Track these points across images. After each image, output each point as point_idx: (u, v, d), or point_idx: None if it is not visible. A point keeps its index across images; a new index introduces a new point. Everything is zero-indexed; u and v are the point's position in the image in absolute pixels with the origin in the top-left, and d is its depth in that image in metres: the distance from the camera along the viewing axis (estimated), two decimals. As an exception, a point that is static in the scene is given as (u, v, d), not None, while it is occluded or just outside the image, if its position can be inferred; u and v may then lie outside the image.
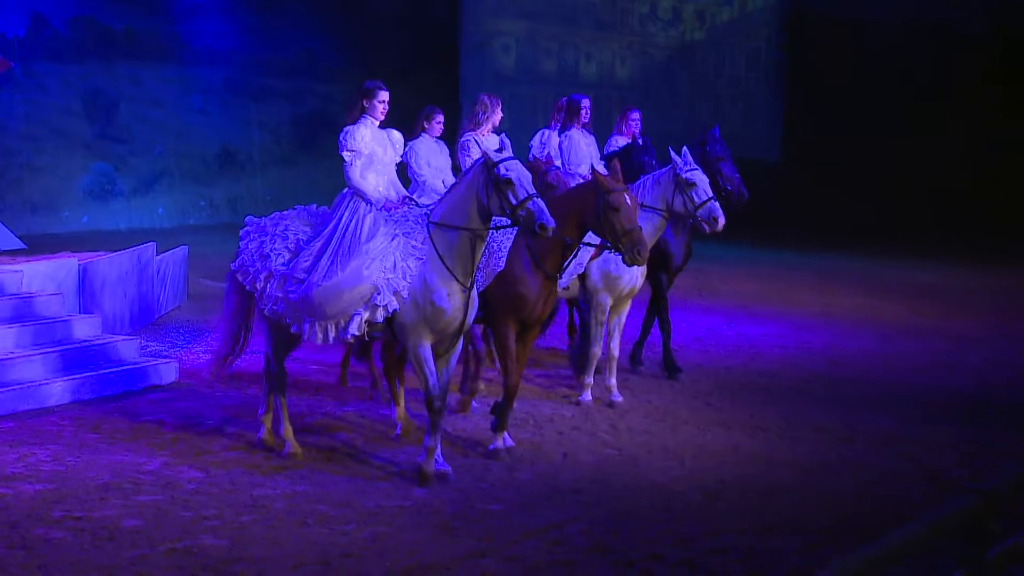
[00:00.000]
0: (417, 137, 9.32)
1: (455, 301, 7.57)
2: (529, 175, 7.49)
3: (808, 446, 8.69)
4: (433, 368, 7.67)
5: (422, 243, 7.65)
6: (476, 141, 8.69)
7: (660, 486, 7.69)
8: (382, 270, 7.56)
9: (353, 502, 7.23)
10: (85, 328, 10.36)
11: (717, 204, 9.45)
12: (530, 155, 10.19)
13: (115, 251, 12.18)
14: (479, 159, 7.57)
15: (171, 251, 13.58)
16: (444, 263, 7.55)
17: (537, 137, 10.37)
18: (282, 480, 7.62)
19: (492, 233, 7.84)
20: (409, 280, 7.56)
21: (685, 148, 9.60)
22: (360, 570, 6.22)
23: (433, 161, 9.30)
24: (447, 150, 9.45)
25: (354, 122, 8.04)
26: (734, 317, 14.01)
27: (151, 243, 12.98)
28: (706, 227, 9.46)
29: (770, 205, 22.77)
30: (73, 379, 9.50)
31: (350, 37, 23.89)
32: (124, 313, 11.72)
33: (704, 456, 8.36)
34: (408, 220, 7.81)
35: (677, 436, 8.86)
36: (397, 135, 8.19)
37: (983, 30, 26.15)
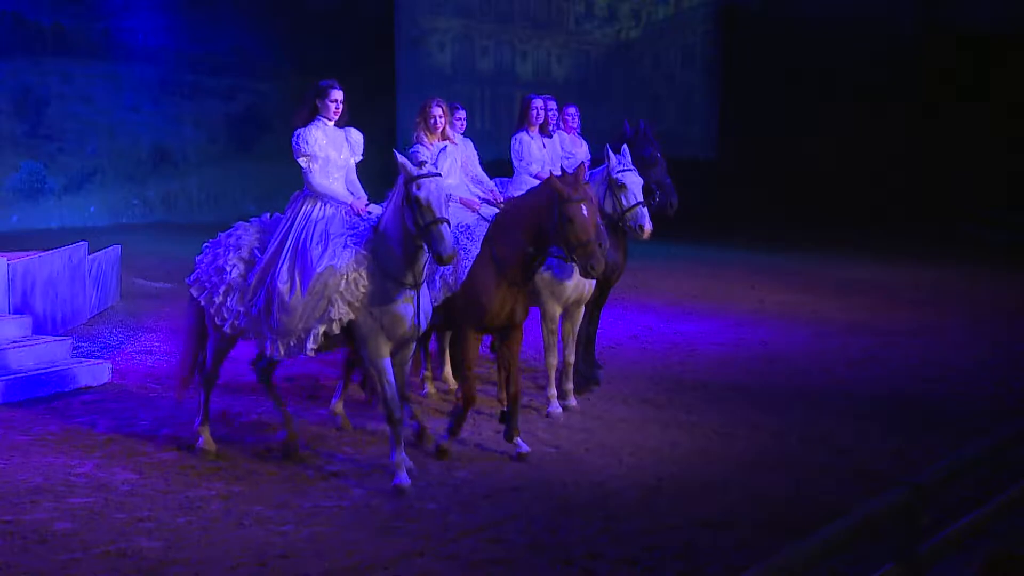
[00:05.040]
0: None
1: (409, 308, 7.45)
2: (445, 195, 7.30)
3: (743, 443, 8.77)
4: (393, 379, 7.53)
5: (370, 251, 7.47)
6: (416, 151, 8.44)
7: (598, 484, 7.72)
8: (336, 282, 7.41)
9: (290, 502, 7.19)
10: (14, 329, 10.21)
11: (645, 210, 9.12)
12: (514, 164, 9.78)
13: (46, 250, 12.00)
14: (401, 174, 7.38)
15: (104, 250, 13.41)
16: (393, 269, 7.40)
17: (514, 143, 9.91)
18: (218, 481, 7.55)
19: (459, 242, 7.89)
20: (363, 289, 7.42)
21: (624, 146, 9.34)
22: (298, 571, 6.19)
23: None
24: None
25: (305, 124, 7.81)
26: (670, 315, 14.10)
27: (83, 242, 12.81)
28: (632, 234, 9.23)
29: (706, 202, 22.97)
30: (2, 380, 9.35)
31: (283, 34, 23.73)
32: (55, 313, 11.56)
33: (641, 453, 8.41)
34: (358, 228, 7.64)
35: (614, 434, 8.89)
36: (356, 134, 7.94)
37: (918, 26, 26.55)
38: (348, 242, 7.54)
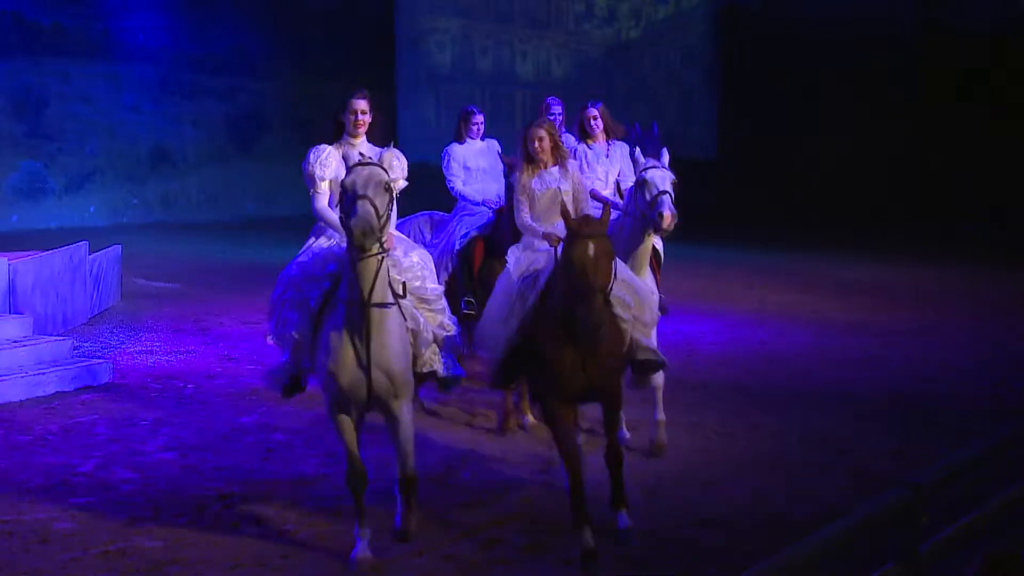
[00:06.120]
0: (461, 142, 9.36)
1: (347, 367, 6.20)
2: (375, 182, 5.96)
3: (743, 443, 8.77)
4: (345, 438, 6.40)
5: (326, 285, 6.45)
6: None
7: (598, 483, 7.69)
8: (294, 319, 6.53)
9: (290, 502, 7.19)
10: (15, 328, 10.21)
11: (666, 198, 7.87)
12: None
13: (46, 250, 12.01)
14: None
15: (104, 250, 13.42)
16: (343, 291, 6.23)
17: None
18: (218, 481, 7.56)
19: (521, 293, 6.79)
20: (301, 331, 6.44)
21: (663, 150, 8.35)
22: (298, 571, 6.19)
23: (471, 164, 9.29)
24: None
25: (330, 142, 6.84)
26: (670, 315, 14.06)
27: (83, 242, 12.82)
28: (655, 226, 7.98)
29: (705, 203, 22.95)
30: (3, 380, 9.35)
31: (283, 34, 23.74)
32: (56, 313, 11.56)
33: (641, 453, 8.40)
34: (331, 257, 6.60)
35: (614, 433, 8.87)
36: (390, 155, 6.48)
37: (918, 26, 26.54)
38: (313, 267, 6.59)
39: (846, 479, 7.90)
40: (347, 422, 6.39)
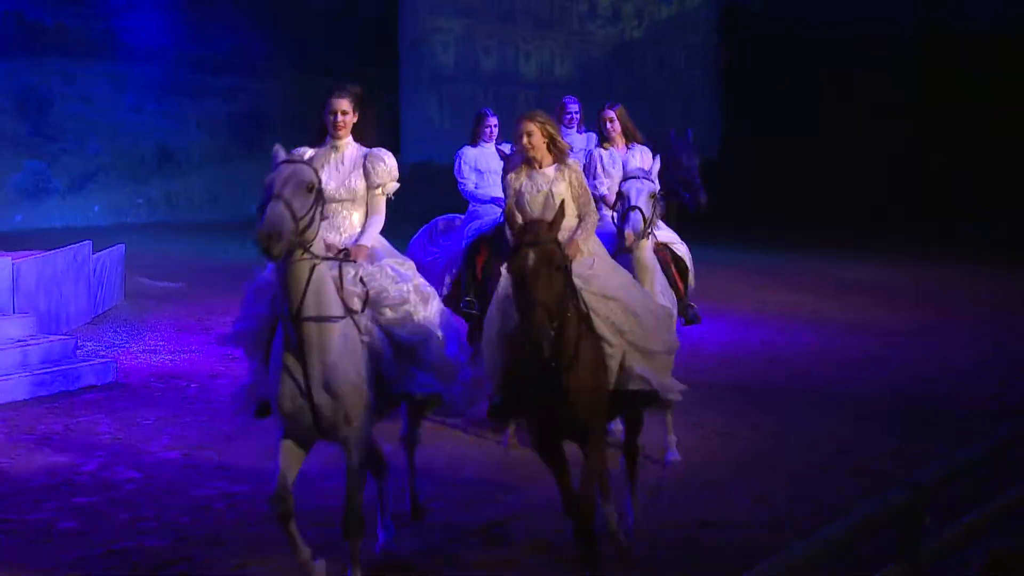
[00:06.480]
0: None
1: (286, 391, 5.72)
2: (297, 182, 5.38)
3: (743, 443, 8.79)
4: (281, 463, 5.88)
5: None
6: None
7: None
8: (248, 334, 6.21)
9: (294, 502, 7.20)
10: (19, 328, 10.24)
11: (635, 215, 7.60)
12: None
13: (50, 250, 12.04)
14: None
15: (108, 250, 13.45)
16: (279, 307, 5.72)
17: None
18: (221, 480, 7.59)
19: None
20: (258, 348, 6.10)
21: (657, 156, 8.27)
22: (302, 571, 6.21)
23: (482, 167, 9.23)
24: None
25: (313, 144, 6.25)
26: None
27: (87, 241, 12.85)
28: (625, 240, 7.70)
29: (707, 203, 22.92)
30: (6, 380, 9.38)
31: (283, 34, 23.78)
32: (59, 312, 11.59)
33: (643, 453, 8.42)
34: None
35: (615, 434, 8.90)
36: (376, 157, 6.21)
37: (918, 26, 26.56)
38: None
39: (846, 479, 7.93)
40: (289, 448, 5.89)
